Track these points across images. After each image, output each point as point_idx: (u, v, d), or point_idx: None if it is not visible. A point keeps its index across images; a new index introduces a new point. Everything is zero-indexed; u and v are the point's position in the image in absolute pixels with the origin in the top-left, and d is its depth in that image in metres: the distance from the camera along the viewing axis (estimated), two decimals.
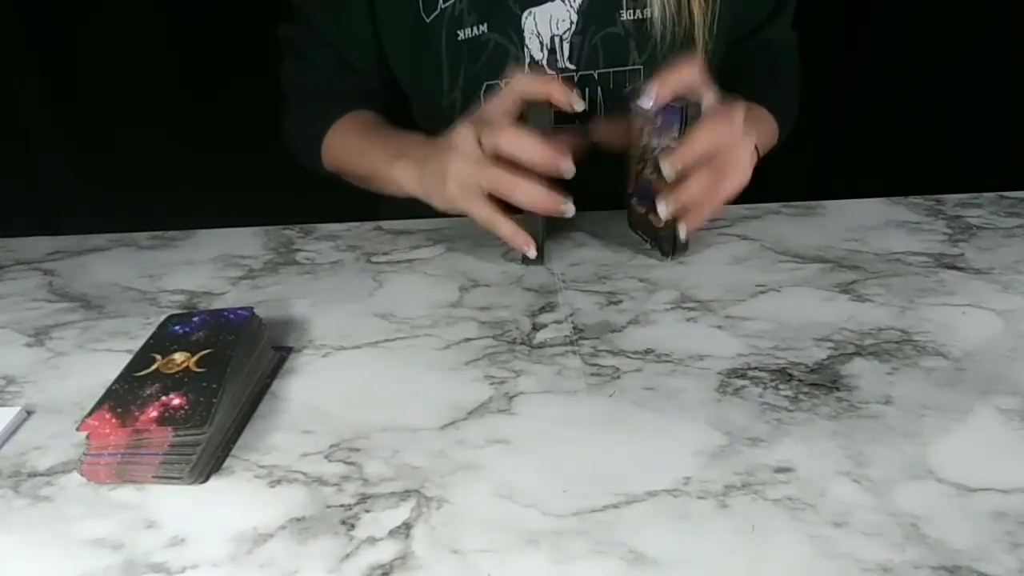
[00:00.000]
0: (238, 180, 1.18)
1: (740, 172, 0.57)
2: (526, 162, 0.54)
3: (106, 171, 1.20)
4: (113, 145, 1.18)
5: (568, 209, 0.55)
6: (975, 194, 0.71)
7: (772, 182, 0.91)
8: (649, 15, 0.66)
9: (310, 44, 0.74)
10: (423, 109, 0.74)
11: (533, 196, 0.55)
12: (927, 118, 1.14)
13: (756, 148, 0.66)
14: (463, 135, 0.56)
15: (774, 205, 0.70)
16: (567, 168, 0.54)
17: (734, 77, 0.74)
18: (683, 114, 0.54)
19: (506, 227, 0.58)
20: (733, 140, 0.55)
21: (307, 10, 0.73)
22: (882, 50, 1.14)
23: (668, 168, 0.54)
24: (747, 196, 0.70)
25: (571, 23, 0.67)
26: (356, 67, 0.73)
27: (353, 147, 0.72)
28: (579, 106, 0.54)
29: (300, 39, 0.75)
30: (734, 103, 0.56)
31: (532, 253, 0.59)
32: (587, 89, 0.69)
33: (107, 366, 0.48)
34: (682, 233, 0.58)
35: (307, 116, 0.76)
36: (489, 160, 0.55)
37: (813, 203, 0.71)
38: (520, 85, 0.55)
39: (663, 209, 0.56)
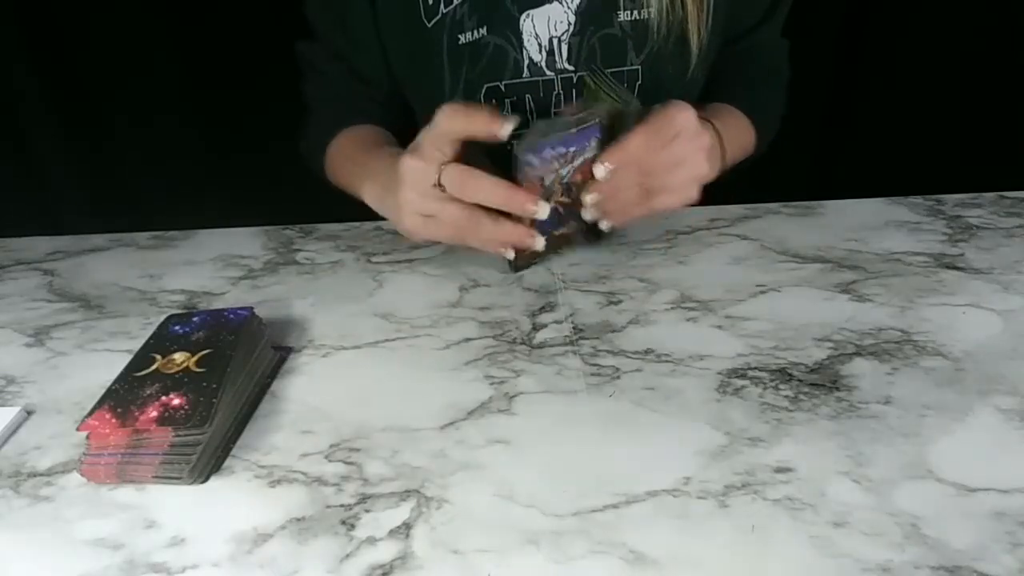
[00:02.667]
0: (238, 180, 1.18)
1: (682, 180, 0.56)
2: (490, 204, 0.52)
3: (106, 171, 1.20)
4: (113, 145, 1.18)
5: (538, 243, 0.54)
6: (975, 194, 0.71)
7: (772, 182, 0.91)
8: (646, 16, 0.66)
9: (323, 58, 0.75)
10: (425, 114, 0.75)
11: (499, 235, 0.54)
12: (927, 118, 1.14)
13: (723, 154, 0.65)
14: (410, 169, 0.53)
15: (774, 205, 0.70)
16: (540, 209, 0.52)
17: (718, 79, 0.75)
18: (601, 128, 0.53)
19: (477, 240, 0.55)
20: (676, 144, 0.54)
21: (318, 25, 0.74)
22: (882, 50, 1.14)
23: (600, 170, 0.52)
24: (747, 196, 0.71)
25: (569, 24, 0.67)
26: (367, 77, 0.74)
27: (341, 162, 0.73)
28: (505, 132, 0.50)
29: (314, 54, 0.76)
30: (678, 104, 0.54)
31: (510, 255, 0.57)
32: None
33: (107, 366, 0.48)
34: (604, 225, 0.57)
35: (316, 129, 0.77)
36: (444, 198, 0.53)
37: (813, 203, 0.71)
38: (446, 125, 0.52)
39: (589, 199, 0.54)
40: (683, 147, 0.55)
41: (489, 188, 0.52)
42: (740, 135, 0.71)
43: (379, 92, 0.75)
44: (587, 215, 0.56)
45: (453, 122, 0.51)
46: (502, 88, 0.69)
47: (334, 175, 0.74)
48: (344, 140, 0.74)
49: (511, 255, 0.58)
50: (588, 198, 0.55)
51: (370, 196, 0.63)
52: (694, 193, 0.57)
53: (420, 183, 0.53)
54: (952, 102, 1.13)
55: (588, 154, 0.54)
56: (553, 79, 0.69)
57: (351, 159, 0.71)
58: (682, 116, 0.54)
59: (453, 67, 0.68)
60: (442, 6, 0.66)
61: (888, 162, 1.14)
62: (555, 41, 0.68)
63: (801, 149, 1.22)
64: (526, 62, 0.68)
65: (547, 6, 0.67)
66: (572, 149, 0.54)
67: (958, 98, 1.13)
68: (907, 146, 1.15)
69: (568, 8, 0.67)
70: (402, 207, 0.55)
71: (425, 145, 0.53)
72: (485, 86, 0.69)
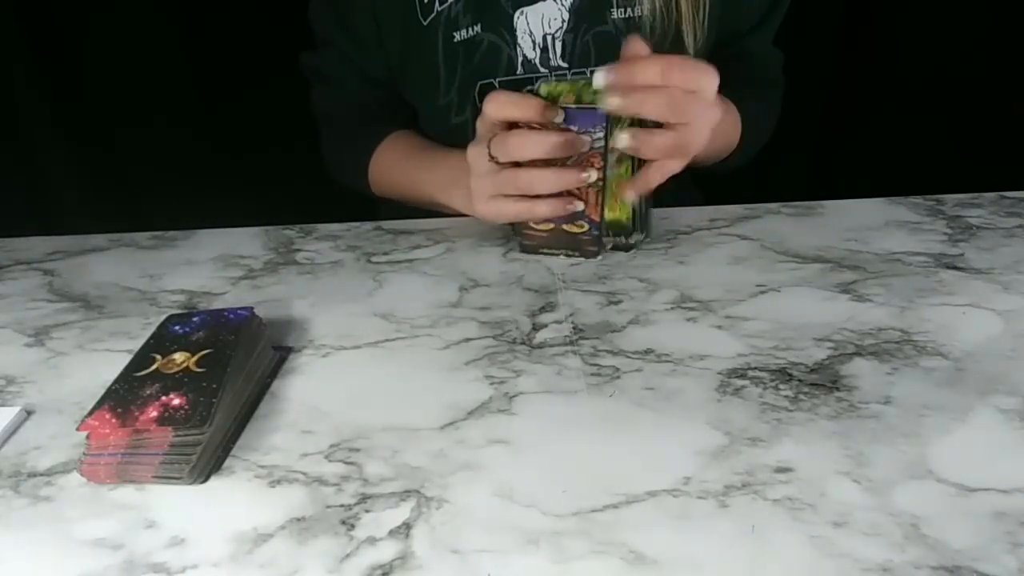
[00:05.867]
0: (238, 180, 1.18)
1: (702, 114, 0.53)
2: (540, 155, 0.55)
3: (106, 171, 1.20)
4: (114, 145, 1.18)
5: (590, 175, 0.55)
6: (975, 194, 0.71)
7: (772, 182, 0.91)
8: (640, 14, 0.66)
9: (332, 65, 0.75)
10: (421, 111, 0.75)
11: (551, 181, 0.56)
12: (927, 118, 1.14)
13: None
14: (473, 154, 0.58)
15: (774, 205, 0.70)
16: (580, 141, 0.54)
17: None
18: (608, 116, 0.53)
19: (543, 207, 0.58)
20: (688, 74, 0.51)
21: (324, 31, 0.74)
22: (882, 50, 1.14)
23: (599, 77, 0.50)
24: (747, 196, 0.71)
25: (563, 22, 0.67)
26: (376, 79, 0.74)
27: (403, 176, 0.74)
28: (559, 118, 0.53)
29: (322, 62, 0.76)
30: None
31: (579, 206, 0.57)
32: None
33: (107, 366, 0.48)
34: (630, 197, 0.56)
35: (344, 141, 0.78)
36: (501, 167, 0.57)
37: (813, 203, 0.71)
38: (494, 112, 0.55)
39: (625, 140, 0.53)
40: (700, 74, 0.52)
41: (535, 138, 0.54)
42: (729, 127, 0.71)
43: (388, 93, 0.76)
44: (622, 142, 0.53)
45: (502, 109, 0.54)
46: (496, 85, 0.69)
47: (390, 186, 0.76)
48: (394, 151, 0.75)
49: (580, 206, 0.57)
50: (610, 100, 0.52)
51: (461, 201, 0.65)
52: (707, 134, 0.55)
53: (480, 164, 0.58)
54: (952, 102, 1.13)
55: (596, 144, 0.54)
56: (547, 76, 0.69)
57: (408, 171, 0.73)
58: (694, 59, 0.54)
59: (448, 64, 0.68)
60: (437, 4, 0.66)
61: (888, 162, 1.14)
62: (549, 38, 0.68)
63: (801, 149, 1.22)
64: (520, 59, 0.68)
65: (541, 3, 0.67)
66: (574, 128, 0.54)
67: (958, 98, 1.13)
68: (907, 146, 1.15)
69: (562, 5, 0.67)
70: (473, 194, 0.59)
71: (479, 131, 0.57)
72: (479, 83, 0.69)
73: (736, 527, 0.35)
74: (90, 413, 0.41)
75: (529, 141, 0.54)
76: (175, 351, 0.46)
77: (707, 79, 0.52)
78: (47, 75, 1.12)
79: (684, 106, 0.52)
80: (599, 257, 0.62)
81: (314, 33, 0.76)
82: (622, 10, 0.67)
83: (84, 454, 0.40)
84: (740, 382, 0.46)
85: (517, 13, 0.67)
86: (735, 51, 0.76)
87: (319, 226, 0.72)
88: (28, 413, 0.47)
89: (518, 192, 0.57)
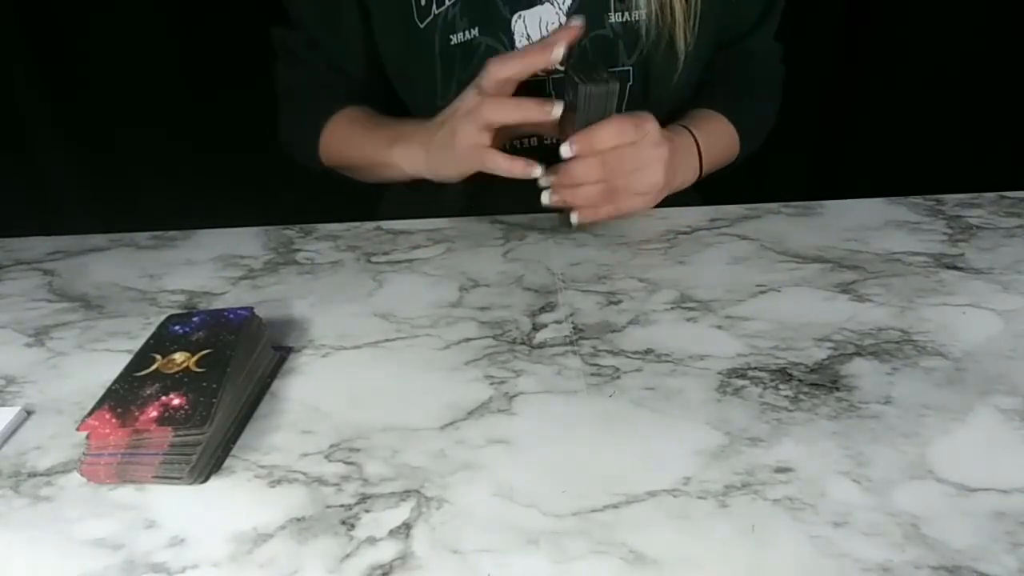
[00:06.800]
0: (238, 180, 1.18)
1: (644, 184, 0.60)
2: (518, 120, 0.57)
3: (106, 171, 1.20)
4: (113, 145, 1.18)
5: (555, 110, 0.57)
6: (975, 194, 0.71)
7: (772, 182, 0.91)
8: (637, 18, 0.66)
9: (301, 45, 0.76)
10: (419, 113, 0.75)
11: (509, 110, 0.58)
12: (927, 118, 1.14)
13: (700, 161, 0.69)
14: (469, 98, 0.59)
15: (774, 205, 0.70)
16: (553, 111, 0.56)
17: (708, 85, 0.75)
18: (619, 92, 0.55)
19: (502, 161, 0.59)
20: (641, 148, 0.58)
21: (299, 13, 0.74)
22: (882, 50, 1.14)
23: (565, 149, 0.55)
24: (747, 196, 0.71)
25: (560, 25, 0.67)
26: (345, 69, 0.75)
27: (349, 139, 0.74)
28: (557, 54, 0.55)
29: (292, 40, 0.76)
30: (645, 114, 0.59)
31: (537, 170, 0.59)
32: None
33: (107, 366, 0.48)
34: (573, 218, 0.59)
35: (301, 114, 0.78)
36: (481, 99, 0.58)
37: (813, 203, 0.71)
38: (498, 72, 0.56)
39: (544, 193, 0.58)
40: (646, 152, 0.59)
41: (508, 103, 0.57)
42: (721, 142, 0.73)
43: (355, 82, 0.76)
44: (545, 199, 0.59)
45: (505, 68, 0.56)
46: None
47: (336, 152, 0.76)
48: (344, 120, 0.75)
49: (539, 170, 0.59)
50: (542, 180, 0.58)
51: (405, 154, 0.66)
52: (653, 199, 0.62)
53: (466, 101, 0.59)
54: (952, 102, 1.13)
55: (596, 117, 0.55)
56: (545, 80, 0.69)
57: (362, 133, 0.73)
58: (648, 124, 0.58)
59: (445, 68, 0.68)
60: (434, 7, 0.67)
61: (888, 162, 1.14)
62: None
63: (801, 149, 1.22)
64: None
65: (538, 7, 0.67)
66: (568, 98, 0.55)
67: (958, 98, 1.13)
68: (907, 146, 1.15)
69: (560, 9, 0.67)
70: (457, 135, 0.59)
71: (483, 84, 0.58)
72: None
73: (736, 527, 0.35)
74: (90, 413, 0.41)
75: (506, 103, 0.56)
76: (175, 351, 0.46)
77: (646, 158, 0.58)
78: (47, 75, 1.12)
79: (619, 186, 0.59)
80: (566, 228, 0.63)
81: (288, 11, 0.76)
82: (619, 14, 0.67)
83: (84, 454, 0.40)
84: (740, 382, 0.46)
85: (515, 17, 0.67)
86: (737, 51, 0.76)
87: (319, 226, 0.72)
88: (28, 413, 0.47)
89: (482, 125, 0.58)
